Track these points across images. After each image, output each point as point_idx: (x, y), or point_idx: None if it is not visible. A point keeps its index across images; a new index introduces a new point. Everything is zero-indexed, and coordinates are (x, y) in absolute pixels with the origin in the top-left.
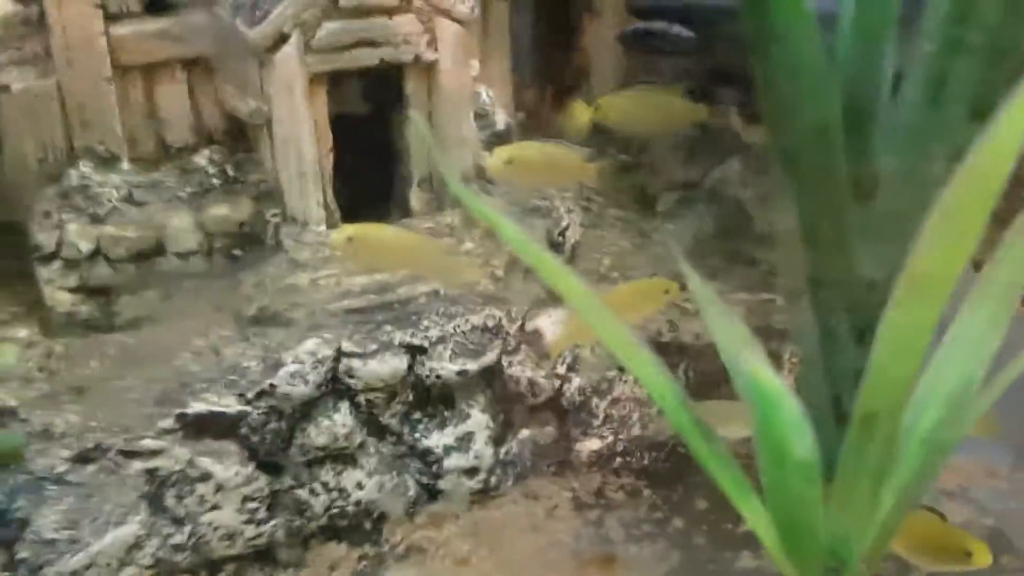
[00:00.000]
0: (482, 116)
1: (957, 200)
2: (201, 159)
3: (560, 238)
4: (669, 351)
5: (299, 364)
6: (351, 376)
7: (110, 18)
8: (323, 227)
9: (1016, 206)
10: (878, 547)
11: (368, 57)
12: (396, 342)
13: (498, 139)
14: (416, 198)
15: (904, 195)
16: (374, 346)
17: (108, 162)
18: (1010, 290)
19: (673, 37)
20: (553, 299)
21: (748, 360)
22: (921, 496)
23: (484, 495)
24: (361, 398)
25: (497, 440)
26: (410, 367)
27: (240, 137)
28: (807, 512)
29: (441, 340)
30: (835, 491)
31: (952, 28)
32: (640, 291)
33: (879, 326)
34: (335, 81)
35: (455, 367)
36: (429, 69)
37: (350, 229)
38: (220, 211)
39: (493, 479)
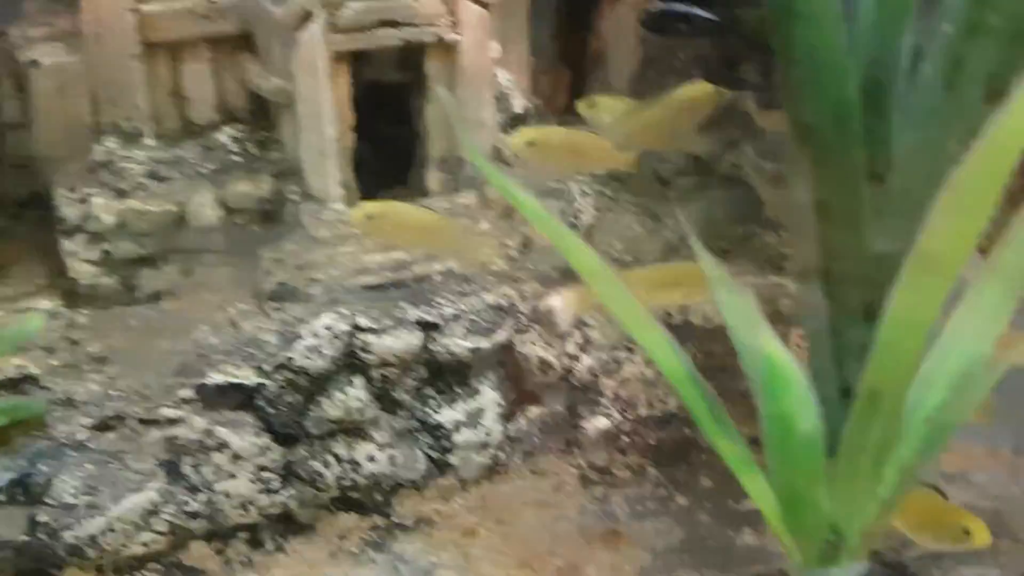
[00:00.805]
0: (500, 99)
1: (968, 180)
2: (224, 136)
3: (574, 220)
4: (679, 332)
5: (316, 338)
6: (366, 351)
7: None
8: (342, 205)
9: None
10: (879, 522)
11: (391, 37)
12: (411, 319)
13: (516, 122)
14: (433, 178)
15: (919, 174)
16: (389, 322)
17: (133, 138)
18: (1018, 273)
19: (695, 20)
20: (566, 279)
21: (760, 335)
22: (923, 474)
23: (493, 470)
24: (375, 373)
25: (507, 417)
26: (424, 343)
27: (262, 115)
28: (810, 486)
29: (455, 318)
30: (838, 466)
31: (972, 10)
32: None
33: (887, 303)
34: (358, 60)
35: (468, 344)
36: (450, 51)
37: (369, 207)
38: (241, 188)
39: (502, 455)
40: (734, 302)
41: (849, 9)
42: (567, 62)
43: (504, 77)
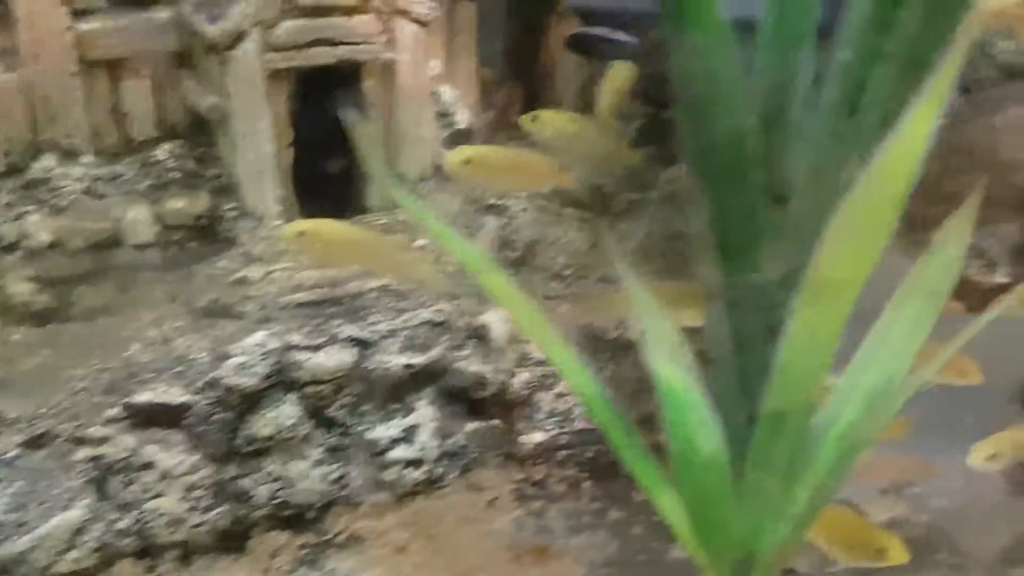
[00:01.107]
0: (445, 115)
1: (860, 205)
2: (162, 153)
3: (513, 236)
4: (616, 347)
5: (246, 356)
6: (298, 369)
7: (76, 14)
8: (280, 221)
9: (946, 208)
10: (791, 541)
11: (326, 55)
12: (344, 336)
13: (460, 138)
14: (373, 195)
15: (819, 198)
16: (322, 339)
17: (72, 155)
18: (936, 292)
19: (613, 42)
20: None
21: (654, 359)
22: (837, 491)
23: (428, 486)
24: (308, 390)
25: (443, 433)
26: (357, 361)
27: (202, 132)
28: (717, 506)
29: (390, 334)
30: (746, 487)
31: (871, 37)
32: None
33: (785, 328)
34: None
35: (402, 361)
36: (387, 68)
37: (300, 224)
38: (177, 204)
39: (438, 470)
40: (653, 323)
41: (747, 34)
42: (520, 77)
43: (450, 93)
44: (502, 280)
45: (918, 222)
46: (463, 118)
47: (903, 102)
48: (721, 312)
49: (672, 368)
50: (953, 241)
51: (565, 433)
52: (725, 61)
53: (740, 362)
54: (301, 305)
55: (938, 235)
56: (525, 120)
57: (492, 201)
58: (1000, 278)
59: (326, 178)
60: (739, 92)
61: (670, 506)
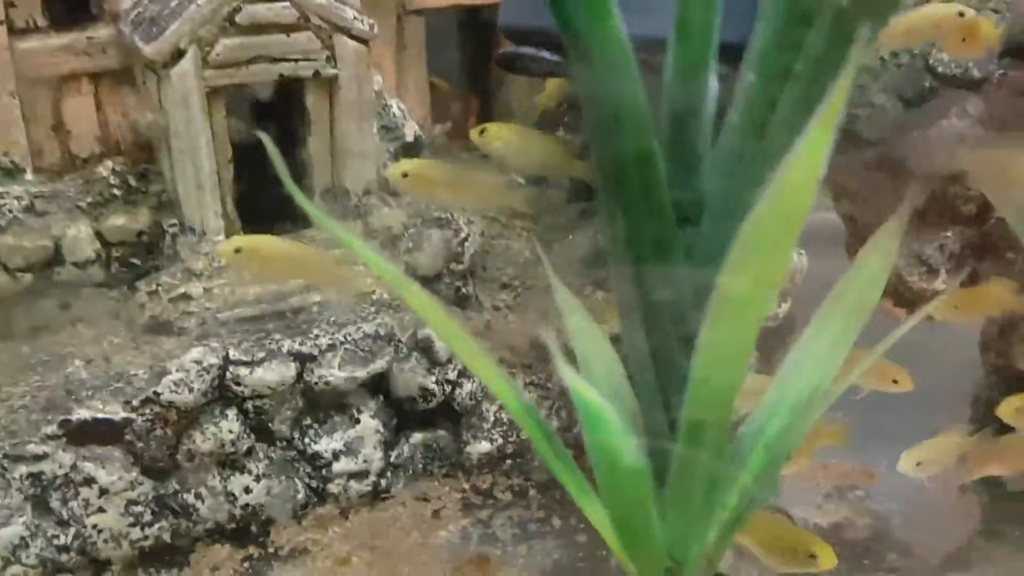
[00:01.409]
0: (391, 129)
1: (761, 227)
2: (104, 170)
3: (459, 248)
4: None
5: (184, 372)
6: (238, 383)
7: (15, 33)
8: (221, 237)
9: (876, 219)
10: (717, 548)
11: (267, 72)
12: (285, 350)
13: (409, 151)
14: (317, 209)
15: (727, 220)
16: (262, 354)
17: (12, 173)
18: (861, 303)
19: (539, 61)
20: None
21: (567, 374)
22: (767, 498)
23: (373, 498)
24: (249, 405)
25: (388, 444)
26: (299, 374)
27: (145, 148)
28: (642, 515)
29: (331, 348)
30: (669, 496)
31: (778, 57)
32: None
33: (697, 344)
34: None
35: (344, 374)
36: (329, 84)
37: (237, 240)
38: (118, 221)
39: (383, 482)
40: (584, 336)
41: (654, 56)
42: (476, 89)
43: (398, 106)
44: (423, 296)
45: (869, 231)
46: (410, 131)
47: (807, 120)
48: (638, 328)
49: (580, 381)
50: (879, 254)
51: (511, 442)
52: (627, 83)
53: (659, 376)
54: (242, 320)
55: (864, 248)
56: (473, 134)
57: (438, 214)
58: (941, 284)
59: (271, 193)
60: (642, 115)
61: (597, 517)
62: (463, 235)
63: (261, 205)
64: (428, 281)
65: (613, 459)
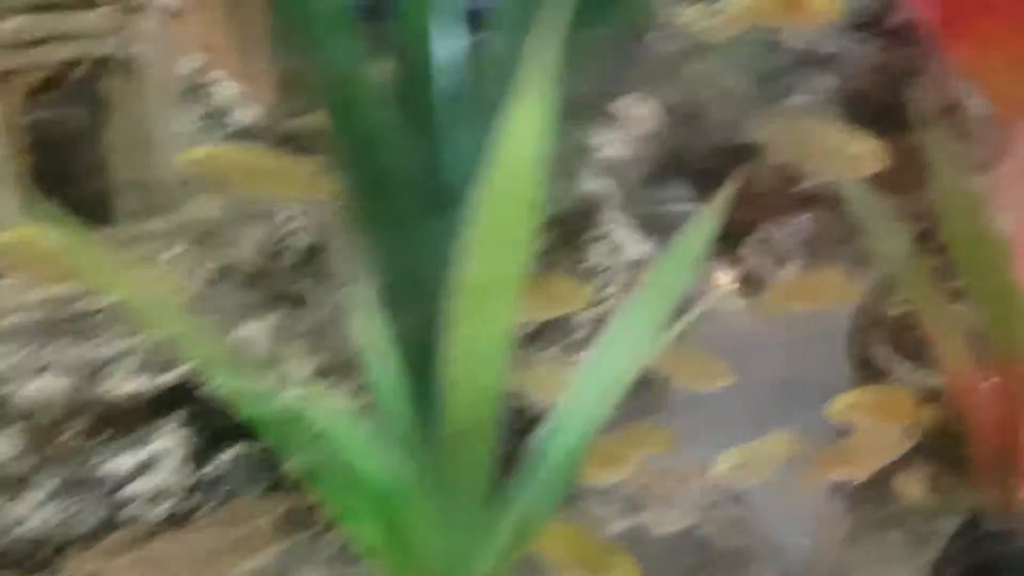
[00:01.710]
0: (218, 114)
1: (487, 209)
2: None
3: (277, 246)
4: None
5: None
6: (14, 399)
7: None
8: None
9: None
10: (503, 563)
11: (58, 54)
12: (70, 360)
13: (241, 138)
14: (120, 205)
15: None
16: (40, 365)
17: None
18: (668, 291)
19: None
20: (254, 310)
21: (299, 397)
22: (559, 507)
23: (176, 521)
24: (26, 423)
25: (195, 460)
26: (86, 386)
27: None
28: (407, 536)
29: (123, 355)
30: (439, 511)
31: (517, 14)
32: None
33: (444, 346)
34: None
35: (138, 384)
36: (128, 67)
37: (9, 234)
38: None
39: (187, 504)
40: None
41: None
42: None
43: (231, 88)
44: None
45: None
46: (246, 115)
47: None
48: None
49: (327, 402)
50: (691, 238)
51: None
52: (351, 61)
53: (411, 386)
54: (19, 328)
55: (679, 233)
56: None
57: (261, 208)
58: (790, 272)
59: (79, 185)
60: (370, 93)
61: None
62: (284, 231)
63: (69, 199)
64: (251, 278)
65: (356, 476)
